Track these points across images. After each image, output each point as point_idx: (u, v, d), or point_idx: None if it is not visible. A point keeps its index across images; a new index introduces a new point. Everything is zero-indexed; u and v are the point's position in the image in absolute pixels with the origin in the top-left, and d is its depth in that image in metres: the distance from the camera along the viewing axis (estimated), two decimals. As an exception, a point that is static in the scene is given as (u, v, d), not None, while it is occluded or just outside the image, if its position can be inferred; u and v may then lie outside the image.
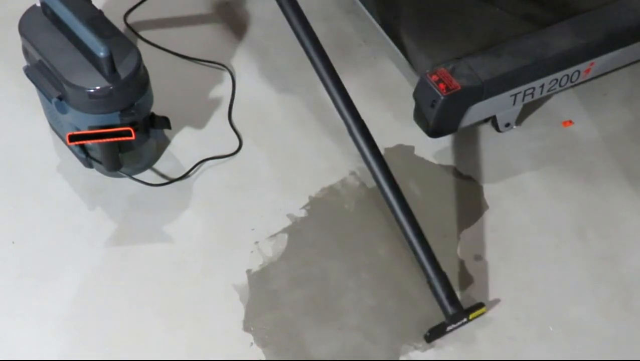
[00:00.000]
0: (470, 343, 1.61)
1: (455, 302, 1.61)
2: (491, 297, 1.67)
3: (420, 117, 1.83)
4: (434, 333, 1.61)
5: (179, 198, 1.81)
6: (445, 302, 1.60)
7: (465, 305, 1.62)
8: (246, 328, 1.62)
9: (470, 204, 1.82)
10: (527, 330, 1.63)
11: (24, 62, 1.77)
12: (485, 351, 1.61)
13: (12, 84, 1.98)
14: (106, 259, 1.71)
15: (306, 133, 1.93)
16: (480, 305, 1.64)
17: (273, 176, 1.86)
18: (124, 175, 1.80)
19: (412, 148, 1.91)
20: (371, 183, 1.81)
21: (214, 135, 1.93)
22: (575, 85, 1.94)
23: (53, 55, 1.67)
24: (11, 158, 1.87)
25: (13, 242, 1.74)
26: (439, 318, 1.62)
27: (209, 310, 1.65)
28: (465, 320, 1.62)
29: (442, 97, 1.74)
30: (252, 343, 1.61)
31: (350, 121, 1.71)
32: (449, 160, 1.90)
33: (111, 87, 1.63)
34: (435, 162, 1.89)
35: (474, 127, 1.94)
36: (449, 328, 1.61)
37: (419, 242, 1.64)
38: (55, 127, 1.86)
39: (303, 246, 1.74)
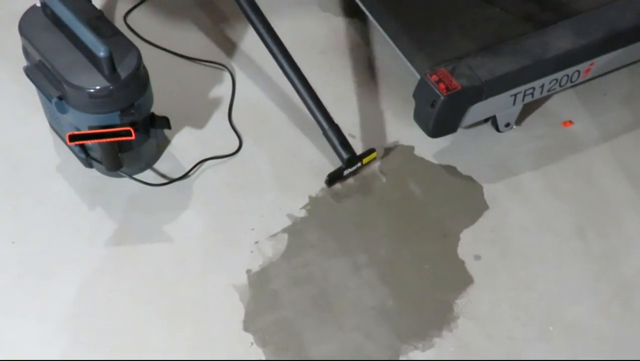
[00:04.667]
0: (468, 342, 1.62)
1: (348, 147, 1.80)
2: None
3: (420, 117, 1.83)
4: (333, 177, 1.81)
5: (179, 198, 1.81)
6: (340, 148, 1.80)
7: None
8: (246, 328, 1.62)
9: (470, 204, 1.82)
10: (527, 330, 1.63)
11: (24, 62, 1.77)
12: (485, 351, 1.61)
13: (12, 84, 1.98)
14: (106, 259, 1.71)
15: (306, 133, 1.93)
16: (371, 151, 1.83)
17: (273, 176, 1.86)
18: (124, 175, 1.80)
19: (412, 148, 1.91)
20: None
21: (214, 135, 1.93)
22: (575, 85, 1.94)
23: (53, 55, 1.67)
24: (11, 158, 1.87)
25: (13, 242, 1.74)
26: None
27: (209, 310, 1.65)
28: (359, 164, 1.82)
29: (442, 97, 1.74)
30: (252, 343, 1.61)
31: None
32: (449, 160, 1.90)
33: (111, 87, 1.63)
34: (435, 162, 1.89)
35: (474, 127, 1.94)
36: (345, 172, 1.81)
37: (312, 99, 1.82)
38: (55, 127, 1.86)
39: (303, 246, 1.74)
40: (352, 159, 1.80)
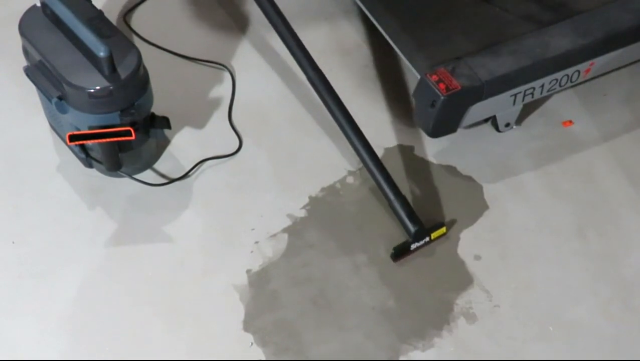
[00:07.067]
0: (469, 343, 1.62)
1: (416, 221, 1.71)
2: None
3: (420, 117, 1.83)
4: (399, 251, 1.71)
5: (179, 198, 1.81)
6: (407, 220, 1.70)
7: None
8: (246, 328, 1.62)
9: (470, 204, 1.82)
10: (527, 330, 1.63)
11: (24, 62, 1.77)
12: (485, 351, 1.61)
13: (12, 84, 1.98)
14: (106, 259, 1.71)
15: (306, 133, 1.93)
16: (440, 225, 1.74)
17: (273, 176, 1.86)
18: (124, 175, 1.80)
19: (412, 148, 1.91)
20: (371, 183, 1.81)
21: (214, 135, 1.93)
22: (575, 85, 1.94)
23: (53, 55, 1.67)
24: (11, 158, 1.87)
25: (13, 242, 1.74)
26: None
27: (209, 310, 1.65)
28: (427, 238, 1.72)
29: (442, 97, 1.74)
30: (252, 343, 1.61)
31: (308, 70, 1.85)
32: (449, 160, 1.90)
33: (111, 87, 1.63)
34: (435, 162, 1.89)
35: (474, 127, 1.94)
36: (412, 246, 1.71)
37: (379, 170, 1.74)
38: (55, 127, 1.86)
39: (303, 246, 1.74)
40: (419, 232, 1.71)
